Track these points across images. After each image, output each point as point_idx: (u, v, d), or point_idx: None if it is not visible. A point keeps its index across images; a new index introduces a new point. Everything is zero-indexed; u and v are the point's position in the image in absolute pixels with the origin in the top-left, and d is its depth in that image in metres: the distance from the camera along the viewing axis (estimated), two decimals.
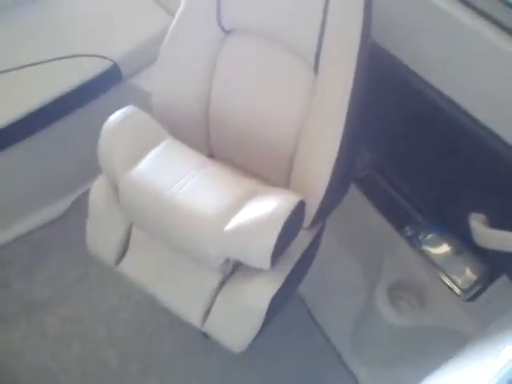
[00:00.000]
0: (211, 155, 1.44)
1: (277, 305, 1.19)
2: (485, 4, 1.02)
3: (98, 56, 1.72)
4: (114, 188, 1.24)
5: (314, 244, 1.30)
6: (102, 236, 1.33)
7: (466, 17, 1.03)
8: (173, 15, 1.84)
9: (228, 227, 1.06)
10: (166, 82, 1.34)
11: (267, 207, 1.06)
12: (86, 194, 1.86)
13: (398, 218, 1.43)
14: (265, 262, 1.06)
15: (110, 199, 1.28)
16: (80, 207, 1.86)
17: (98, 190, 1.31)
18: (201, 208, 1.09)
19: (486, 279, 1.29)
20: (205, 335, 1.29)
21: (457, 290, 1.28)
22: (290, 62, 1.20)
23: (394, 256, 1.43)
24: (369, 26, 1.09)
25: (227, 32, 1.28)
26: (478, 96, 1.09)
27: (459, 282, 1.29)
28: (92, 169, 1.88)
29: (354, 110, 1.11)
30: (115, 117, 1.23)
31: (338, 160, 1.12)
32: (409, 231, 1.40)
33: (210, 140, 1.41)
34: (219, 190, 1.14)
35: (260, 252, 1.05)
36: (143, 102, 1.80)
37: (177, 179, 1.13)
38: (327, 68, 1.13)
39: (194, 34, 1.28)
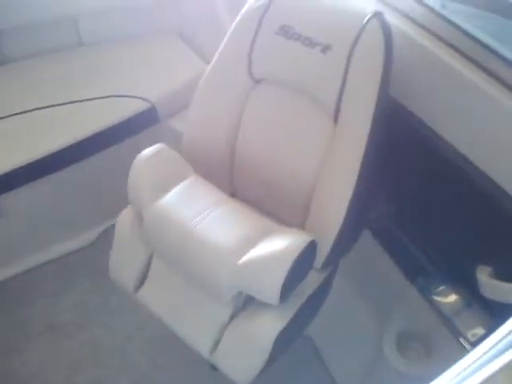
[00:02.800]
0: (233, 194, 1.51)
1: (284, 342, 1.22)
2: (492, 63, 1.09)
3: (138, 97, 1.85)
4: (140, 218, 1.32)
5: (325, 286, 1.34)
6: (123, 262, 1.40)
7: (474, 75, 1.10)
8: (207, 63, 2.01)
9: (241, 261, 1.12)
10: (197, 125, 1.44)
11: (280, 244, 1.12)
12: (114, 226, 1.99)
13: (411, 267, 1.45)
14: (274, 297, 1.11)
15: (135, 228, 1.36)
16: (108, 238, 1.95)
17: (124, 218, 1.39)
18: (218, 241, 1.16)
19: None
20: (213, 367, 1.33)
21: (465, 343, 1.29)
22: (313, 113, 1.28)
23: (404, 305, 1.45)
24: (387, 83, 1.16)
25: (256, 81, 1.37)
26: (488, 152, 1.14)
27: (468, 334, 1.29)
28: (123, 202, 2.01)
29: (369, 161, 1.17)
30: (146, 152, 1.33)
31: (351, 206, 1.18)
32: (421, 281, 1.42)
33: (233, 181, 1.48)
34: (236, 226, 1.21)
35: (270, 286, 1.10)
36: (177, 141, 1.93)
37: (198, 212, 1.21)
38: (346, 119, 1.21)
39: (225, 82, 1.39)
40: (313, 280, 1.27)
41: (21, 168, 1.62)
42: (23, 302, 1.79)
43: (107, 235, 1.94)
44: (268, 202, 1.43)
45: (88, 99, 1.84)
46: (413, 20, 1.26)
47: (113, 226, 1.95)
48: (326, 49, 1.21)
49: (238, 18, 1.35)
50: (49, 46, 2.05)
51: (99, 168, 1.84)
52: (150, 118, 1.87)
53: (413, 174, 1.38)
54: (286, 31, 1.27)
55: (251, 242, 1.15)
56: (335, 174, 1.22)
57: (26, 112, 1.78)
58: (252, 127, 1.40)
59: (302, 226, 1.34)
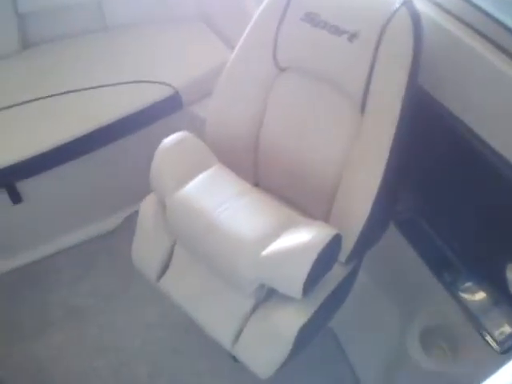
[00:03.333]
0: (256, 184, 1.49)
1: (306, 335, 1.21)
2: None
3: (161, 83, 1.83)
4: (163, 206, 1.31)
5: (349, 280, 1.32)
6: (146, 250, 1.39)
7: (506, 65, 1.05)
8: (232, 49, 1.98)
9: (264, 253, 1.10)
10: (221, 112, 1.42)
11: (304, 237, 1.10)
12: (137, 213, 1.99)
13: (437, 262, 1.42)
14: (297, 290, 1.09)
15: (158, 216, 1.35)
16: (130, 224, 1.95)
17: (147, 206, 1.38)
18: (241, 232, 1.14)
19: None
20: (234, 358, 1.32)
21: (491, 342, 1.26)
22: (339, 101, 1.25)
23: (429, 301, 1.42)
24: (416, 72, 1.13)
25: (281, 69, 1.34)
26: None
27: (495, 333, 1.26)
28: (146, 188, 2.00)
29: (397, 152, 1.14)
30: (170, 139, 1.31)
31: (377, 199, 1.15)
32: (447, 277, 1.39)
33: (257, 170, 1.46)
34: (260, 217, 1.19)
35: (293, 280, 1.09)
36: (200, 128, 1.91)
37: (221, 202, 1.20)
38: (373, 110, 1.17)
39: (250, 69, 1.36)
40: (337, 274, 1.25)
41: (43, 154, 1.62)
42: (44, 287, 1.80)
43: (130, 221, 1.94)
44: (292, 191, 1.41)
45: (112, 84, 1.82)
46: (441, 7, 1.22)
47: (135, 212, 1.96)
48: (352, 37, 1.18)
49: (263, 5, 1.32)
50: (73, 30, 2.04)
51: (122, 154, 1.83)
52: (173, 104, 1.85)
53: (440, 165, 1.35)
54: (311, 18, 1.23)
55: (274, 233, 1.14)
56: (362, 164, 1.19)
57: (49, 97, 1.78)
58: (276, 116, 1.38)
59: (326, 216, 1.32)
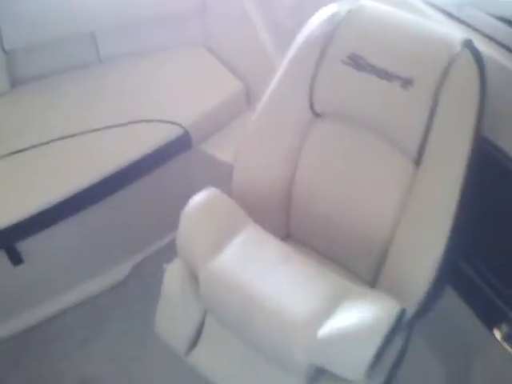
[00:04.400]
0: (288, 235, 1.37)
1: None
2: None
3: (169, 122, 1.69)
4: (190, 273, 1.17)
5: (403, 347, 1.20)
6: (173, 322, 1.25)
7: None
8: (244, 82, 1.85)
9: (321, 333, 0.97)
10: (250, 163, 1.28)
11: (366, 316, 0.97)
12: (146, 260, 1.85)
13: (489, 313, 1.31)
14: (359, 374, 0.97)
15: (186, 284, 1.21)
16: (140, 273, 1.81)
17: (173, 273, 1.24)
18: (290, 308, 1.01)
19: None
20: None
21: None
22: (386, 151, 1.13)
23: (483, 359, 1.31)
24: (481, 121, 1.01)
25: (318, 115, 1.22)
26: None
27: None
28: (153, 233, 1.86)
29: (463, 208, 1.03)
30: (197, 201, 1.18)
31: (443, 260, 1.03)
32: (504, 329, 1.27)
33: (289, 221, 1.34)
34: (309, 288, 1.06)
35: (355, 364, 0.96)
36: (210, 167, 1.78)
37: (263, 272, 1.07)
38: (433, 161, 1.05)
39: (282, 116, 1.23)
40: (395, 345, 1.12)
41: (44, 211, 1.46)
42: (51, 354, 1.62)
43: (139, 270, 1.80)
44: (329, 245, 1.29)
45: (113, 126, 1.67)
46: (502, 44, 1.10)
47: (144, 259, 1.83)
48: (406, 84, 1.05)
49: (298, 44, 1.19)
50: (65, 65, 1.87)
51: (128, 200, 1.67)
52: (182, 144, 1.70)
53: (492, 212, 1.24)
54: (355, 61, 1.11)
55: (328, 308, 1.01)
56: (423, 222, 1.07)
57: (45, 144, 1.61)
58: (312, 165, 1.25)
59: (372, 275, 1.20)
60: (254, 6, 1.74)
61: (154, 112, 1.71)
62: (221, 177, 1.75)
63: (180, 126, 1.68)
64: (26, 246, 1.52)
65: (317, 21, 1.16)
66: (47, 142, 1.62)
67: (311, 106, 1.20)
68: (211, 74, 1.89)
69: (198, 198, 1.18)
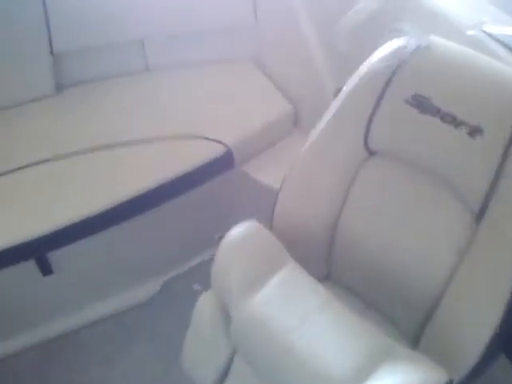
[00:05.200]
0: (328, 276, 1.29)
1: None
2: None
3: (213, 140, 1.63)
4: (222, 306, 1.11)
5: None
6: (201, 357, 1.19)
7: None
8: (292, 103, 1.78)
9: None
10: (295, 195, 1.22)
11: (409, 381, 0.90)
12: (176, 278, 1.79)
13: None
14: None
15: (217, 319, 1.14)
16: (169, 292, 1.75)
17: (204, 306, 1.18)
18: (328, 363, 0.94)
19: None
20: None
21: None
22: (445, 201, 1.05)
23: None
24: None
25: (371, 152, 1.14)
26: None
27: None
28: (186, 253, 1.80)
29: None
30: (236, 233, 1.12)
31: (498, 330, 0.94)
32: None
33: (331, 262, 1.26)
34: (348, 344, 0.98)
35: None
36: (252, 190, 1.71)
37: (301, 320, 0.99)
38: (497, 222, 0.97)
39: (334, 149, 1.16)
40: None
41: (81, 222, 1.42)
42: (72, 366, 1.58)
43: (169, 288, 1.75)
44: (372, 294, 1.21)
45: (156, 139, 1.63)
46: None
47: (175, 277, 1.78)
48: (474, 132, 0.97)
49: (358, 78, 1.11)
50: (111, 71, 1.84)
51: (164, 218, 1.63)
52: (224, 163, 1.64)
53: None
54: (419, 102, 1.03)
55: (368, 368, 0.93)
56: (478, 286, 0.98)
57: (85, 152, 1.58)
58: (361, 207, 1.17)
59: (415, 332, 1.12)
60: (308, 24, 1.67)
61: (197, 127, 1.66)
62: (261, 200, 1.69)
63: (224, 144, 1.63)
64: (56, 257, 1.49)
65: (381, 55, 1.09)
66: (86, 151, 1.59)
67: (366, 143, 1.13)
68: (259, 92, 1.83)
69: (237, 230, 1.12)
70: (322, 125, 1.16)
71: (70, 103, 1.77)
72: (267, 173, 1.66)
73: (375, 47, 1.38)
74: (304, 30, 1.66)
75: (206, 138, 1.63)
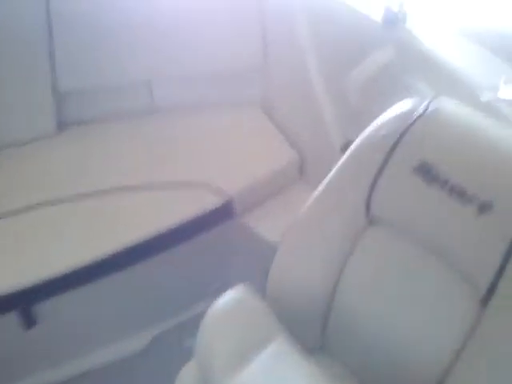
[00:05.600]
0: (322, 346, 1.20)
1: None
2: None
3: (214, 188, 1.56)
4: (205, 380, 1.03)
5: None
6: None
7: None
8: (298, 151, 1.71)
9: None
10: (291, 259, 1.13)
11: None
12: (167, 332, 1.69)
13: None
14: None
15: None
16: (159, 347, 1.66)
17: (185, 377, 1.09)
18: None
19: None
20: None
21: None
22: (450, 280, 0.95)
23: None
24: None
25: (373, 221, 1.05)
26: None
27: None
28: (179, 304, 1.71)
29: None
30: (223, 302, 1.03)
31: None
32: None
33: (326, 333, 1.16)
34: None
35: None
36: (251, 242, 1.63)
37: None
38: (505, 307, 0.87)
39: (334, 214, 1.08)
40: None
41: (69, 273, 1.35)
42: None
43: (158, 344, 1.65)
44: (369, 371, 1.11)
45: (155, 185, 1.57)
46: None
47: (166, 331, 1.68)
48: (484, 208, 0.88)
49: (362, 140, 1.04)
50: (117, 111, 1.81)
51: (157, 269, 1.54)
52: (224, 213, 1.57)
53: None
54: (426, 171, 0.94)
55: None
56: (483, 376, 0.88)
57: (76, 198, 1.52)
58: (359, 278, 1.08)
59: None
60: (318, 72, 1.60)
61: (198, 174, 1.61)
62: (260, 253, 1.61)
63: (225, 193, 1.56)
64: (40, 309, 1.41)
65: (388, 117, 1.01)
66: (84, 196, 1.53)
67: (367, 210, 1.04)
68: (264, 139, 1.76)
69: (225, 299, 1.04)
70: (323, 185, 1.09)
71: (70, 144, 1.72)
72: (268, 225, 1.59)
73: (386, 102, 1.33)
74: (313, 78, 1.60)
75: (206, 186, 1.57)
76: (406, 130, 0.97)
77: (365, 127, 1.41)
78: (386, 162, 0.99)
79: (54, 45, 1.64)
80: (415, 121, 0.97)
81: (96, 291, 1.46)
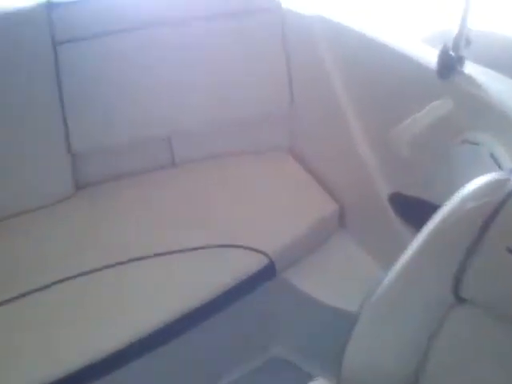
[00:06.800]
0: None
1: None
2: None
3: (250, 249, 1.44)
4: None
5: None
6: None
7: None
8: (335, 198, 1.60)
9: None
10: (364, 349, 1.02)
11: None
12: None
13: None
14: None
15: None
16: None
17: None
18: None
19: None
20: None
21: None
22: None
23: None
24: None
25: (462, 300, 0.95)
26: None
27: None
28: (220, 370, 1.59)
29: None
30: None
31: None
32: None
33: None
34: None
35: None
36: (295, 300, 1.52)
37: None
38: None
39: (415, 293, 0.97)
40: None
41: (95, 363, 1.20)
42: None
43: None
44: None
45: (184, 250, 1.44)
46: None
47: None
48: None
49: (445, 217, 0.93)
50: (136, 168, 1.69)
51: (197, 339, 1.41)
52: (265, 273, 1.45)
53: None
54: None
55: None
56: None
57: (107, 267, 1.39)
58: (447, 360, 0.97)
59: None
60: (355, 117, 1.50)
61: (232, 235, 1.48)
62: (305, 312, 1.51)
63: (264, 253, 1.44)
64: None
65: (475, 191, 0.90)
66: (112, 265, 1.40)
67: (456, 289, 0.94)
68: (298, 188, 1.65)
69: None
70: (404, 258, 0.98)
71: (90, 205, 1.60)
72: (311, 281, 1.48)
73: (442, 156, 1.22)
74: (350, 123, 1.49)
75: (244, 248, 1.45)
76: (499, 204, 0.87)
77: (418, 181, 1.32)
78: (477, 241, 0.88)
79: (65, 108, 1.54)
80: (509, 195, 0.87)
81: (139, 368, 1.33)
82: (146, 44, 1.57)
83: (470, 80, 1.16)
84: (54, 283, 1.35)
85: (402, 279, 0.98)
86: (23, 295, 1.32)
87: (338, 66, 1.51)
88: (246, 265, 1.42)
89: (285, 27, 1.66)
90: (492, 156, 1.13)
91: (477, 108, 1.15)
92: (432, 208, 1.27)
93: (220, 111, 1.67)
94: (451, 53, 1.16)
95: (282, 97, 1.70)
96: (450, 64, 1.16)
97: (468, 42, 1.16)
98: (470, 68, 1.18)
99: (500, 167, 1.12)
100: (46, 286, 1.34)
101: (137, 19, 1.55)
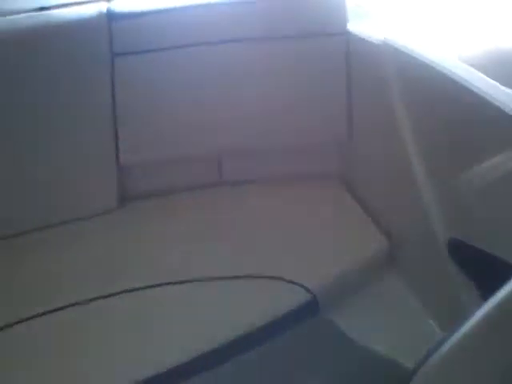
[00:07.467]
0: None
1: None
2: None
3: (292, 282, 1.38)
4: None
5: None
6: None
7: None
8: (389, 238, 1.51)
9: None
10: None
11: None
12: None
13: None
14: None
15: None
16: None
17: None
18: None
19: None
20: None
21: None
22: None
23: None
24: None
25: None
26: None
27: None
28: None
29: None
30: None
31: None
32: None
33: None
34: None
35: None
36: (339, 345, 1.43)
37: None
38: None
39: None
40: None
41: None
42: None
43: None
44: None
45: (224, 277, 1.39)
46: None
47: None
48: None
49: (506, 293, 0.84)
50: (182, 185, 1.66)
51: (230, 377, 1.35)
52: (307, 311, 1.37)
53: None
54: None
55: None
56: None
57: (149, 287, 1.35)
58: None
59: None
60: (418, 155, 1.40)
61: (275, 266, 1.41)
62: (346, 356, 1.41)
63: (306, 288, 1.37)
64: None
65: None
66: (152, 286, 1.36)
67: None
68: (348, 221, 1.56)
69: None
70: (466, 327, 0.89)
71: (134, 221, 1.58)
72: (358, 325, 1.39)
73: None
74: (412, 161, 1.40)
75: (287, 282, 1.38)
76: None
77: (482, 231, 1.21)
78: None
79: (117, 118, 1.53)
80: None
81: None
82: (205, 62, 1.54)
83: None
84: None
85: (462, 351, 0.89)
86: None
87: (403, 98, 1.42)
88: (287, 299, 1.36)
89: (349, 53, 1.60)
90: None
91: None
92: (495, 262, 1.17)
93: (274, 135, 1.62)
94: None
95: (341, 125, 1.63)
96: None
97: None
98: None
99: None
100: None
101: (198, 36, 1.52)
